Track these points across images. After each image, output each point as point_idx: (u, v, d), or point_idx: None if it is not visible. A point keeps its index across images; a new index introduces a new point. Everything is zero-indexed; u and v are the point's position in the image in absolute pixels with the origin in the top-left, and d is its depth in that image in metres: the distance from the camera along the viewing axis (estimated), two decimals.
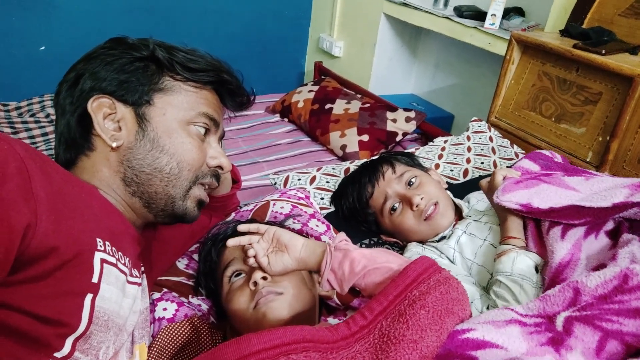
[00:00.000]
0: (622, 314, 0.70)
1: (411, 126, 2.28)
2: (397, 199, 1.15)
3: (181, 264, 1.08)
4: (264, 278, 0.85)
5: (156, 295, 0.96)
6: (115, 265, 0.68)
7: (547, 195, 0.95)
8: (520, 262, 0.93)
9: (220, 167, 0.88)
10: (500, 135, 1.75)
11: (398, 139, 2.27)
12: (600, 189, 0.93)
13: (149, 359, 0.83)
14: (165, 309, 0.93)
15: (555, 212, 0.93)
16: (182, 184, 0.82)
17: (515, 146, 1.69)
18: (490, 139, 1.71)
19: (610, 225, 0.93)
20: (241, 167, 2.05)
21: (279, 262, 0.86)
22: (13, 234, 0.52)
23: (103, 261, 0.64)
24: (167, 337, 0.88)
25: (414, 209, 1.12)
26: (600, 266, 0.84)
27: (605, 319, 0.70)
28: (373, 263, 0.81)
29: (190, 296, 1.01)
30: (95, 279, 0.63)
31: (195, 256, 1.09)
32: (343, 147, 2.21)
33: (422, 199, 1.12)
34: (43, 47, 2.36)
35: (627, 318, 0.69)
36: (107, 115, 0.77)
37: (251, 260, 0.87)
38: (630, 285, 0.71)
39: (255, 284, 0.85)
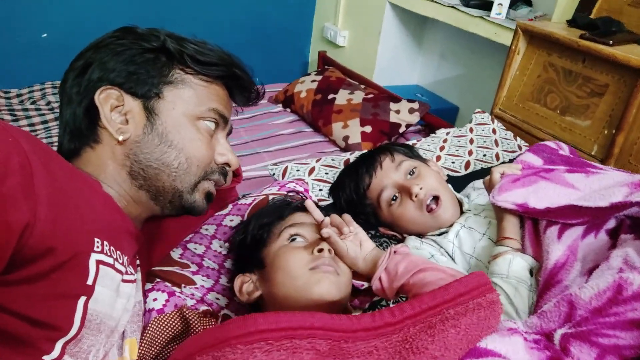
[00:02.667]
0: (618, 327, 0.68)
1: (415, 118, 2.26)
2: (396, 189, 1.13)
3: (175, 253, 1.06)
4: (330, 251, 0.86)
5: (148, 285, 0.95)
6: (112, 266, 0.66)
7: (545, 194, 0.93)
8: (516, 264, 0.91)
9: (228, 165, 0.87)
10: (504, 128, 1.72)
11: (401, 130, 2.25)
12: (600, 187, 0.90)
13: (139, 352, 0.83)
14: (155, 300, 0.91)
15: (552, 212, 0.90)
16: (190, 179, 0.80)
17: (518, 139, 1.66)
18: (494, 131, 1.68)
19: (611, 223, 0.91)
20: (242, 158, 2.04)
21: (352, 250, 0.90)
22: (10, 232, 0.50)
23: (99, 262, 0.63)
24: (157, 329, 0.87)
25: (413, 199, 1.10)
26: (596, 267, 0.82)
27: (602, 334, 0.69)
28: (428, 264, 0.82)
29: (182, 285, 0.99)
30: (90, 281, 0.61)
31: (190, 245, 1.08)
32: (345, 139, 2.19)
33: (421, 189, 1.09)
34: (45, 35, 2.35)
35: (623, 331, 0.68)
36: (114, 107, 0.75)
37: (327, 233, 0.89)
38: (624, 295, 0.69)
39: (321, 250, 0.85)
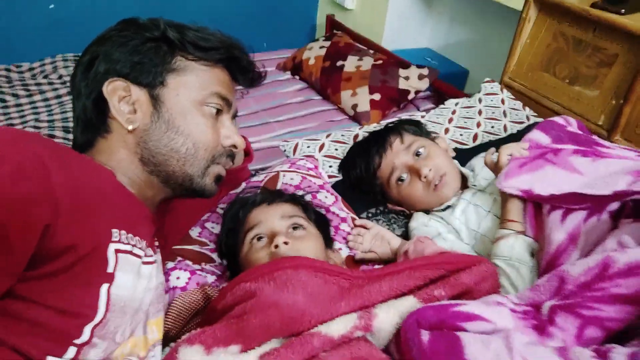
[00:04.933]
0: (602, 300, 0.74)
1: (424, 84, 2.25)
2: (405, 170, 1.16)
3: (194, 232, 1.12)
4: (285, 243, 0.90)
5: (170, 264, 1.01)
6: (130, 252, 0.71)
7: (550, 181, 0.96)
8: (518, 247, 0.95)
9: (235, 146, 0.89)
10: (513, 98, 1.73)
11: (410, 97, 2.25)
12: (606, 173, 0.93)
13: (166, 327, 0.89)
14: (178, 278, 0.98)
15: (556, 198, 0.94)
16: (200, 163, 0.83)
17: (527, 109, 1.67)
18: (502, 101, 1.69)
19: (615, 205, 0.93)
20: (252, 128, 2.06)
21: (382, 251, 1.10)
22: (32, 232, 0.55)
23: (117, 251, 0.67)
24: (181, 305, 0.93)
25: (422, 180, 1.13)
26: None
27: (586, 307, 0.74)
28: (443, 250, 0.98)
29: (203, 264, 1.05)
30: (110, 269, 0.66)
31: (208, 224, 1.13)
32: (354, 107, 2.20)
33: (430, 170, 1.13)
34: (52, 6, 2.34)
35: (607, 304, 0.74)
36: (122, 98, 0.78)
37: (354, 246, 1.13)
38: (609, 272, 0.74)
39: (277, 246, 0.90)
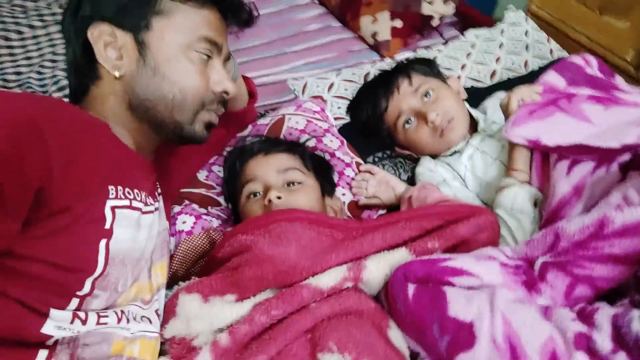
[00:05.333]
0: (594, 260, 0.74)
1: (449, 8, 2.12)
2: (412, 114, 1.14)
3: (201, 175, 1.13)
4: (278, 197, 0.92)
5: (177, 208, 1.04)
6: (128, 207, 0.72)
7: (558, 130, 0.92)
8: (521, 198, 0.94)
9: (226, 92, 0.87)
10: (538, 29, 1.63)
11: (434, 23, 2.14)
12: (617, 123, 0.89)
13: (172, 269, 0.94)
14: (184, 222, 1.01)
15: (563, 148, 0.91)
16: (188, 110, 0.81)
17: (552, 41, 1.58)
18: (526, 33, 1.60)
19: (626, 156, 0.90)
20: (267, 59, 2.02)
21: (386, 197, 1.10)
22: (26, 192, 0.56)
23: (114, 208, 0.69)
24: (187, 248, 0.98)
25: (429, 125, 1.11)
26: None
27: (578, 265, 0.74)
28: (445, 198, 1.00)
29: (209, 207, 1.09)
30: (107, 226, 0.68)
31: (215, 168, 1.15)
32: (374, 35, 2.11)
33: (437, 115, 1.10)
34: None
35: (599, 264, 0.74)
36: (108, 43, 0.76)
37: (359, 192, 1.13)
38: (605, 232, 0.73)
39: (270, 201, 0.91)
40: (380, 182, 1.12)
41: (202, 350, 0.72)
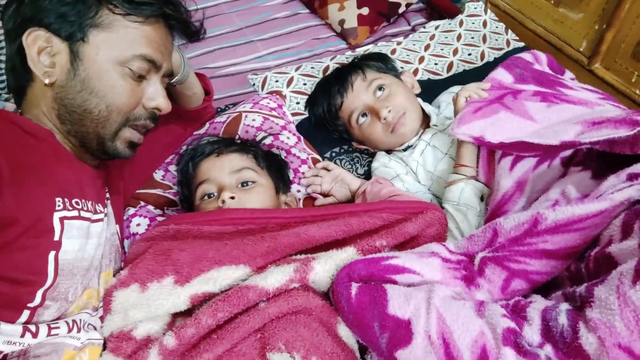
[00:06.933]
0: (529, 255, 0.77)
1: None
2: (366, 110, 1.16)
3: (158, 175, 1.13)
4: (232, 197, 0.93)
5: (131, 210, 1.04)
6: (77, 217, 0.73)
7: (502, 128, 0.95)
8: (468, 192, 0.97)
9: (158, 109, 0.85)
10: (496, 19, 1.65)
11: (401, 10, 2.15)
12: (557, 121, 0.92)
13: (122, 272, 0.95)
14: (138, 225, 1.01)
15: (505, 146, 0.94)
16: (111, 125, 0.80)
17: (509, 32, 1.60)
18: (484, 23, 1.62)
19: (567, 152, 0.93)
20: (235, 48, 2.01)
21: (342, 194, 1.14)
22: None
23: (62, 219, 0.69)
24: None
25: (382, 121, 1.14)
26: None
27: (514, 260, 0.77)
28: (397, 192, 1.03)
29: (165, 208, 1.09)
30: (56, 237, 0.68)
31: (172, 167, 1.14)
32: (341, 23, 2.12)
33: (389, 111, 1.12)
34: None
35: (533, 259, 0.77)
36: (42, 49, 0.74)
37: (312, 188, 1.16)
38: (538, 229, 0.76)
39: (224, 201, 0.93)
40: (336, 179, 1.14)
41: (149, 351, 0.74)
